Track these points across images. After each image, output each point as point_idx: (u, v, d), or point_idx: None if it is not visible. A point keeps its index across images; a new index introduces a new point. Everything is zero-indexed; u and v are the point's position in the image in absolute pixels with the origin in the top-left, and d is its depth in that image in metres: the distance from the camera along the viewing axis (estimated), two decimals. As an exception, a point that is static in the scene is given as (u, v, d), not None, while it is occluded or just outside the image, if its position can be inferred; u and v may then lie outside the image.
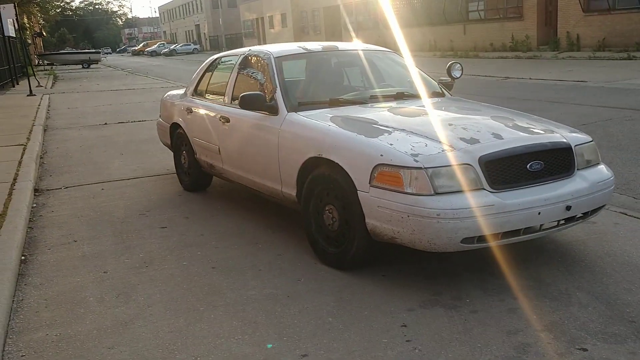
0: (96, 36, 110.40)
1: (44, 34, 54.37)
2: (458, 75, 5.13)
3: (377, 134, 3.64)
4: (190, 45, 70.47)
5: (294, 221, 4.76)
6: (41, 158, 8.41)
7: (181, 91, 6.63)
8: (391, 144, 3.45)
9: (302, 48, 4.97)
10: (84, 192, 6.36)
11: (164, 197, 5.96)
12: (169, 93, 6.91)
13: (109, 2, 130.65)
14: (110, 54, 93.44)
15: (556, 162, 3.54)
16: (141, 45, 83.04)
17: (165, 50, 67.58)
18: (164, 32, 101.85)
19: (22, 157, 7.82)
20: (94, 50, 51.53)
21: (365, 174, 3.45)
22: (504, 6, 26.86)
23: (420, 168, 3.23)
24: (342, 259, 3.78)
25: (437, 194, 3.21)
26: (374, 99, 4.55)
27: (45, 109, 14.31)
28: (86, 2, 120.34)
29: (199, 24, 78.42)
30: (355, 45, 5.34)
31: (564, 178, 3.53)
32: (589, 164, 3.73)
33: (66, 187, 6.62)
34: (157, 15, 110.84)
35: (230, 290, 3.62)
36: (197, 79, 5.97)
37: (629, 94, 11.28)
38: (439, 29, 29.40)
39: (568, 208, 3.41)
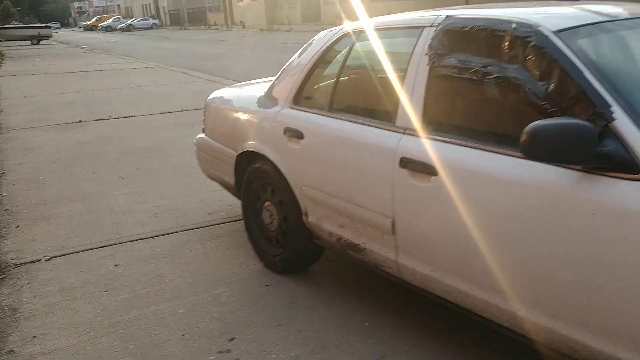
0: (42, 10, 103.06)
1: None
2: None
3: None
4: (149, 20, 65.63)
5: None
6: (-3, 185, 5.54)
7: (246, 90, 3.88)
8: None
9: (595, 13, 2.30)
10: (85, 272, 3.58)
11: (239, 290, 3.23)
12: (218, 94, 4.12)
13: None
14: (60, 29, 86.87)
15: None
16: (94, 19, 77.31)
17: (122, 25, 62.63)
18: (118, 5, 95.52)
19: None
20: (44, 25, 46.76)
21: None
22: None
23: None
24: None
25: None
26: None
27: (-6, 98, 11.19)
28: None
29: (157, -3, 73.49)
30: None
31: None
32: None
33: (49, 258, 3.83)
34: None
35: None
36: (303, 74, 3.19)
37: None
38: None
39: None
